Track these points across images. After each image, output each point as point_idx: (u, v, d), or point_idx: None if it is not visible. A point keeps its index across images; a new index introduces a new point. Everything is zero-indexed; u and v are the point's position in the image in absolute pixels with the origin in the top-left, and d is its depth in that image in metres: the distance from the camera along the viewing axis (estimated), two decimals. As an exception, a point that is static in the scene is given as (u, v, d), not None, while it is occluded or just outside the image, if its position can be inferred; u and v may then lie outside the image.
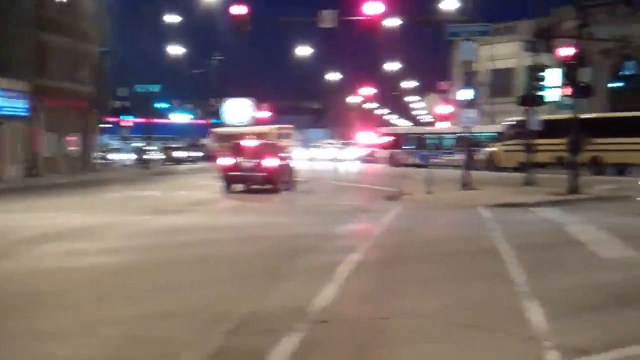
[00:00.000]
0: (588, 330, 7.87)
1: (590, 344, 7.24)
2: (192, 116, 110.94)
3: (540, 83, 35.89)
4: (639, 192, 24.31)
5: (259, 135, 50.15)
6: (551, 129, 42.87)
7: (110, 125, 64.50)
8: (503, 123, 52.95)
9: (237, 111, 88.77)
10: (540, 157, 42.21)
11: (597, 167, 43.97)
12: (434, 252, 14.13)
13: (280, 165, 30.79)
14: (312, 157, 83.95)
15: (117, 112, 59.21)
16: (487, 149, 53.68)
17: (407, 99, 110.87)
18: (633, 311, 9.00)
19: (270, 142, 38.77)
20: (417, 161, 59.79)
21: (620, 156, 44.32)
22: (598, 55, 55.22)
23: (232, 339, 7.46)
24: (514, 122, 48.66)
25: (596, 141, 41.29)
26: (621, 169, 44.48)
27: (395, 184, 34.70)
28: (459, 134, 49.44)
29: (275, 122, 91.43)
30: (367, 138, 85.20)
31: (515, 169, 41.60)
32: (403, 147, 63.29)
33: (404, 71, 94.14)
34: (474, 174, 32.34)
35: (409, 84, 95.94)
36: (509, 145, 49.05)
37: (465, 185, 30.95)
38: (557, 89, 38.33)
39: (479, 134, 53.93)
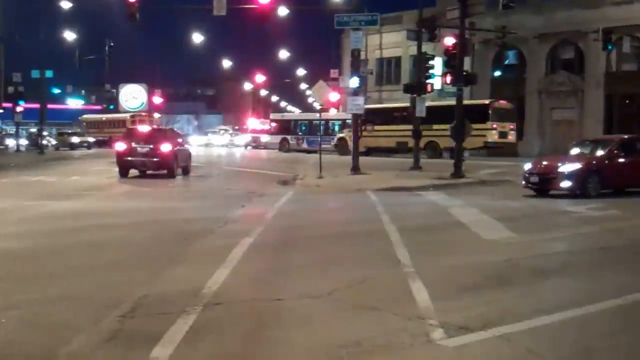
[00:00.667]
0: (469, 308, 8.03)
1: (472, 322, 7.39)
2: (84, 102, 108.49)
3: (430, 71, 36.48)
4: (519, 177, 24.97)
5: (116, 122, 50.72)
6: (390, 117, 51.07)
7: (2, 111, 62.38)
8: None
9: (131, 97, 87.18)
10: (384, 142, 49.62)
11: (434, 151, 47.24)
12: (325, 235, 14.21)
13: (175, 151, 30.42)
14: (208, 143, 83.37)
15: (11, 98, 57.29)
16: (338, 135, 56.38)
17: (300, 86, 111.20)
18: (510, 290, 9.23)
19: (164, 127, 38.29)
20: (307, 147, 60.29)
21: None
22: (481, 45, 56.47)
23: (126, 323, 7.32)
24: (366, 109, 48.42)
25: (434, 127, 43.68)
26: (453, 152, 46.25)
27: (287, 169, 34.76)
28: (346, 120, 50.15)
29: (169, 108, 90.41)
30: (258, 124, 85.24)
31: (365, 153, 44.20)
32: (293, 133, 63.51)
33: (296, 59, 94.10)
34: (363, 159, 32.68)
35: (300, 72, 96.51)
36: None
37: (354, 169, 31.25)
38: (439, 77, 39.13)
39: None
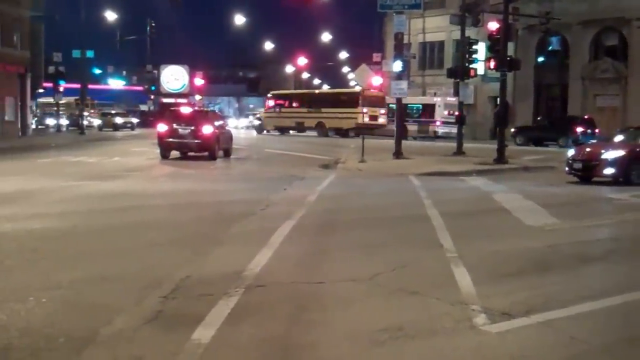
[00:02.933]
0: (512, 294, 7.99)
1: (515, 308, 7.36)
2: (124, 82, 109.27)
3: (473, 56, 36.23)
4: (562, 163, 24.76)
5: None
6: (290, 100, 63.22)
7: (43, 91, 63.08)
8: (268, 95, 66.98)
9: (173, 78, 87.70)
10: (287, 122, 60.18)
11: (322, 130, 57.75)
12: (367, 218, 14.21)
13: (216, 133, 30.53)
14: (249, 125, 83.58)
15: (53, 77, 57.88)
16: (258, 116, 67.25)
17: (342, 70, 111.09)
18: (553, 276, 9.16)
19: (206, 109, 38.46)
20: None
21: (337, 122, 56.90)
22: (524, 31, 55.95)
23: (167, 304, 7.38)
24: (272, 94, 65.20)
25: (322, 110, 57.90)
26: (338, 132, 57.11)
27: (329, 152, 34.78)
28: (390, 105, 50.28)
29: (210, 90, 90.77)
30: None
31: (279, 130, 60.93)
32: None
33: (338, 42, 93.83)
34: (407, 143, 32.56)
35: (343, 55, 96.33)
36: (269, 113, 63.24)
37: (397, 154, 31.17)
38: (482, 62, 38.86)
39: (411, 105, 54.44)
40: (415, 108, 56.38)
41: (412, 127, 54.82)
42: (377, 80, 36.23)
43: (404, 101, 35.66)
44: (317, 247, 10.84)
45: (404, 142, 33.12)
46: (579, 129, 45.73)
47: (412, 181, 22.32)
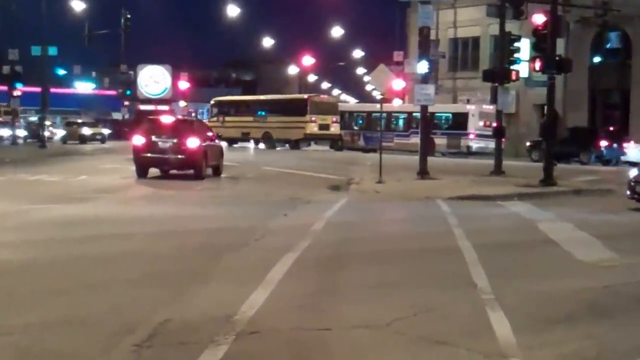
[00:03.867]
0: (561, 345, 7.97)
1: (563, 361, 7.36)
2: (94, 85, 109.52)
3: (515, 56, 36.16)
4: (623, 185, 24.65)
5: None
6: (236, 107, 66.80)
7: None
8: (212, 101, 70.51)
9: (152, 81, 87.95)
10: (232, 133, 61.99)
11: (269, 141, 60.80)
12: (385, 251, 14.20)
13: (204, 146, 30.55)
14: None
15: (8, 79, 57.91)
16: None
17: (356, 71, 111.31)
18: (611, 323, 9.13)
19: (191, 118, 38.57)
20: (364, 144, 60.29)
21: (284, 132, 60.14)
22: (577, 25, 55.89)
23: (142, 353, 7.38)
24: (215, 101, 68.78)
25: (269, 120, 61.19)
26: (286, 143, 60.38)
27: (340, 171, 34.79)
28: (413, 114, 50.36)
29: (198, 95, 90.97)
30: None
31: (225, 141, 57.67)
32: (347, 128, 63.37)
33: (352, 39, 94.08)
34: (433, 160, 32.58)
35: (357, 53, 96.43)
36: (212, 121, 62.83)
37: (422, 173, 31.14)
38: (525, 63, 38.83)
39: (439, 114, 54.53)
40: (444, 118, 56.48)
41: (440, 141, 54.83)
42: (398, 84, 36.28)
43: (431, 109, 35.67)
44: (323, 286, 10.84)
45: (430, 158, 33.09)
46: (603, 143, 45.91)
47: (440, 206, 22.28)
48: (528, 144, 50.78)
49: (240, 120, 63.88)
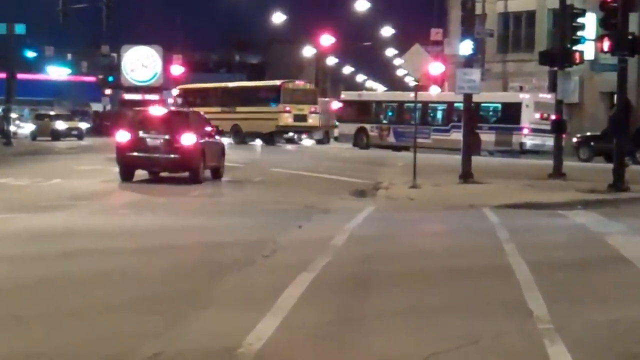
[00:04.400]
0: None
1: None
2: (70, 71, 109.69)
3: (578, 34, 35.91)
4: None
5: None
6: (202, 96, 69.62)
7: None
8: (176, 89, 74.56)
9: (139, 64, 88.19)
10: None
11: (239, 135, 63.88)
12: (420, 271, 14.17)
13: (201, 144, 30.56)
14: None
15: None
16: None
17: (385, 53, 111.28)
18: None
19: (186, 110, 38.57)
20: (395, 141, 60.20)
21: (255, 125, 63.57)
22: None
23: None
24: (180, 89, 72.74)
25: (237, 110, 64.25)
26: (258, 137, 63.97)
27: (366, 173, 34.77)
28: (455, 104, 50.26)
29: (195, 81, 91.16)
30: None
31: None
32: (374, 122, 63.37)
33: (380, 14, 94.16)
34: (479, 160, 32.50)
35: (386, 31, 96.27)
36: None
37: (465, 176, 31.04)
38: (591, 42, 38.63)
39: (485, 105, 54.44)
40: (491, 109, 56.44)
41: (487, 137, 54.77)
42: (436, 69, 36.24)
43: (475, 99, 35.58)
44: (344, 313, 10.80)
45: (475, 158, 33.06)
46: None
47: (487, 216, 22.24)
48: (575, 140, 50.52)
49: (207, 112, 62.72)
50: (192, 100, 67.31)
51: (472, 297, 12.08)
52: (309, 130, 64.19)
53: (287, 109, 61.00)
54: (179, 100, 68.94)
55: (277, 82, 65.65)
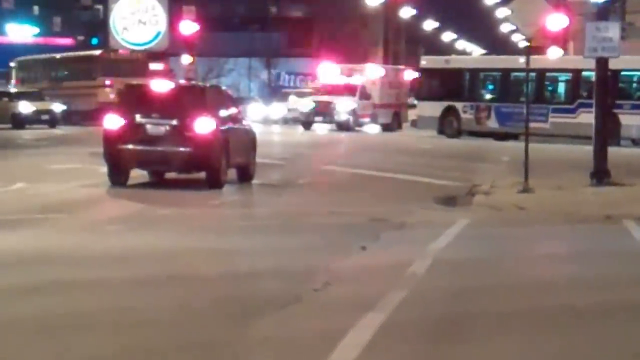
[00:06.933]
0: None
1: None
2: (38, 31, 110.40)
3: None
4: None
5: None
6: (35, 70, 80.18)
7: None
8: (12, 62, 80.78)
9: (135, 20, 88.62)
10: None
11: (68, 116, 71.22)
12: (534, 311, 14.14)
13: (224, 132, 30.54)
14: (289, 117, 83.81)
15: None
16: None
17: (480, 2, 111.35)
18: None
19: (201, 84, 38.67)
20: (497, 126, 60.13)
21: (77, 102, 71.43)
22: None
23: None
24: (17, 62, 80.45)
25: (64, 85, 72.70)
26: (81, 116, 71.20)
27: (455, 172, 34.77)
28: (583, 74, 50.14)
29: (213, 44, 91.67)
30: (333, 76, 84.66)
31: None
32: (467, 99, 63.28)
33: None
34: (618, 153, 32.33)
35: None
36: None
37: (599, 174, 30.89)
38: None
39: (627, 74, 54.25)
40: (636, 80, 56.15)
41: (630, 120, 54.53)
42: (556, 23, 36.09)
43: (613, 65, 35.45)
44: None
45: (612, 150, 32.91)
46: None
47: (630, 233, 22.15)
48: None
49: (42, 90, 72.58)
50: (26, 75, 76.61)
51: (614, 346, 12.05)
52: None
53: (108, 82, 69.27)
54: (17, 75, 77.84)
55: (96, 52, 76.61)
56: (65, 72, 76.01)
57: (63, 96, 71.46)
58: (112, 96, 64.30)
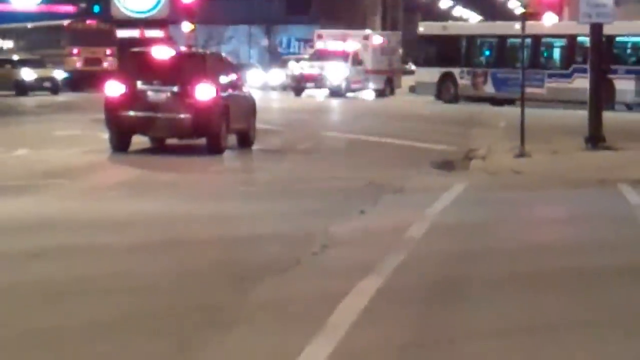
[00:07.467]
0: None
1: None
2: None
3: None
4: None
5: None
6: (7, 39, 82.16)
7: None
8: None
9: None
10: None
11: None
12: (531, 274, 14.14)
13: (224, 98, 30.54)
14: (290, 81, 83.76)
15: None
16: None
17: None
18: None
19: (202, 51, 38.59)
20: (494, 91, 60.16)
21: None
22: None
23: None
24: None
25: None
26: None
27: (452, 136, 34.75)
28: (578, 39, 50.12)
29: (213, 12, 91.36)
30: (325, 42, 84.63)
31: None
32: (465, 64, 63.29)
33: None
34: (613, 117, 32.32)
35: None
36: None
37: (594, 139, 30.89)
38: None
39: (622, 39, 54.16)
40: (630, 46, 56.08)
41: (624, 85, 54.50)
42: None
43: (608, 31, 35.39)
44: (426, 334, 10.81)
45: (607, 115, 32.89)
46: None
47: (624, 196, 22.15)
48: None
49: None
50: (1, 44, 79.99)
51: (606, 308, 12.04)
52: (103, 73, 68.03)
53: (75, 51, 74.05)
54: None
55: (64, 22, 78.77)
56: (38, 42, 77.83)
57: None
58: (78, 64, 71.78)
